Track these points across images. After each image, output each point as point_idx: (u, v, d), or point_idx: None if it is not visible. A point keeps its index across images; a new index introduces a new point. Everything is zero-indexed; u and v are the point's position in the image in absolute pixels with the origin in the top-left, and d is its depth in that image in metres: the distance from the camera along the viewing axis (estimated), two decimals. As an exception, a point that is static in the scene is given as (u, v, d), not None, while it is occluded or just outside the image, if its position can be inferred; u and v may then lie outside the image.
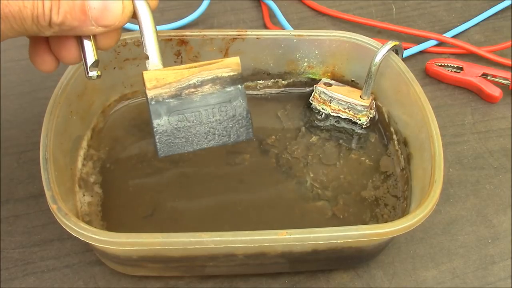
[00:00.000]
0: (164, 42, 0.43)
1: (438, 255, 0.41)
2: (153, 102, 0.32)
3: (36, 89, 0.49)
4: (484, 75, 0.51)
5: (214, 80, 0.33)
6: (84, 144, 0.43)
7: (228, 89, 0.33)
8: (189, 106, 0.33)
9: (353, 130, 0.46)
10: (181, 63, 0.44)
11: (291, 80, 0.48)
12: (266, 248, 0.34)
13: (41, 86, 0.49)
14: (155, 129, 0.33)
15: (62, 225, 0.32)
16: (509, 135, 0.48)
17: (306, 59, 0.46)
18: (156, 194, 0.41)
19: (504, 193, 0.45)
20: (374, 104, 0.46)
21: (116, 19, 0.30)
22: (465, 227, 0.43)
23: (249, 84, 0.47)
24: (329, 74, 0.47)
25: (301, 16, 0.59)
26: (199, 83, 0.33)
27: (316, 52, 0.45)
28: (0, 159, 0.44)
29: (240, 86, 0.34)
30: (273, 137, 0.45)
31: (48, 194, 0.33)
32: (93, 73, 0.32)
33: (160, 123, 0.32)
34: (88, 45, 0.31)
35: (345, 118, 0.46)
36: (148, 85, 0.32)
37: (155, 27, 0.32)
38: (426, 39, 0.55)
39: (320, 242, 0.32)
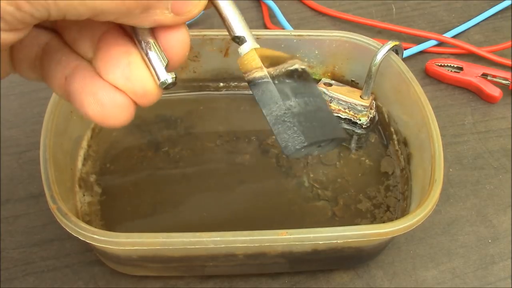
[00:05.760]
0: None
1: (438, 255, 0.41)
2: (276, 81, 0.28)
3: (36, 89, 0.49)
4: (484, 75, 0.51)
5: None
6: (84, 144, 0.43)
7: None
8: (305, 91, 0.29)
9: (353, 130, 0.46)
10: (181, 63, 0.44)
11: (291, 80, 0.48)
12: (266, 248, 0.34)
13: (41, 86, 0.49)
14: (287, 113, 0.28)
15: (62, 225, 0.32)
16: (509, 135, 0.48)
17: (306, 59, 0.46)
18: (156, 194, 0.41)
19: (504, 193, 0.45)
20: (374, 104, 0.46)
21: (194, 7, 0.25)
22: (465, 227, 0.43)
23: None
24: (329, 74, 0.47)
25: (301, 16, 0.58)
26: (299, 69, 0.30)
27: (316, 52, 0.45)
28: (0, 159, 0.44)
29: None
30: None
31: (48, 194, 0.33)
32: (167, 78, 0.25)
33: (292, 104, 0.28)
34: (154, 46, 0.25)
35: (345, 118, 0.46)
36: (264, 63, 0.28)
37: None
38: (426, 39, 0.55)
39: (320, 242, 0.32)
